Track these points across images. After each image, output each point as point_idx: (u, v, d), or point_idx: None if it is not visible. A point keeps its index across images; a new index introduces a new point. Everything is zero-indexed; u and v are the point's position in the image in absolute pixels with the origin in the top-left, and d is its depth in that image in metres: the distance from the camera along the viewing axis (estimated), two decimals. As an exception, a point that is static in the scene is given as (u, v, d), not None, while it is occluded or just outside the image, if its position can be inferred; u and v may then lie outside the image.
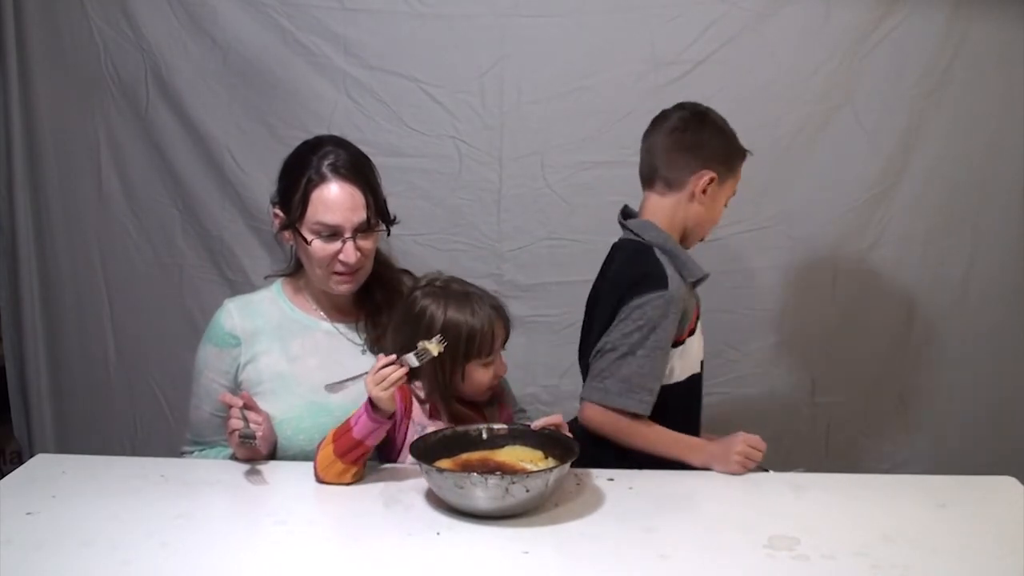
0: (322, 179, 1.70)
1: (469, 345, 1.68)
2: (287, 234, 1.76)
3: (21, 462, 1.86)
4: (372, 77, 2.50)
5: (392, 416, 1.61)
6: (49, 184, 2.66)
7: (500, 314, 1.73)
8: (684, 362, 1.86)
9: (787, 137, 2.47)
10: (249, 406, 1.67)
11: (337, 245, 1.71)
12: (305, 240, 1.71)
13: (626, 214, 1.95)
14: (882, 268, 2.52)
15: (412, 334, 1.67)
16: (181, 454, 1.87)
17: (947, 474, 1.70)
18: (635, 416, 1.76)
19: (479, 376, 1.71)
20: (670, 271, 1.80)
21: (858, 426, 2.59)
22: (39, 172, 2.66)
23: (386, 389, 1.55)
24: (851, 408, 2.59)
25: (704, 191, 1.85)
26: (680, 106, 1.92)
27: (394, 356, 1.59)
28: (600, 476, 1.64)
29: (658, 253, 1.82)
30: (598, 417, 1.78)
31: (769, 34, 2.42)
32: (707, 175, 1.85)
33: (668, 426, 1.81)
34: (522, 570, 1.32)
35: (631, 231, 1.89)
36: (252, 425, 1.64)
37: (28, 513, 1.46)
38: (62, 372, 2.77)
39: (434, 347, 1.60)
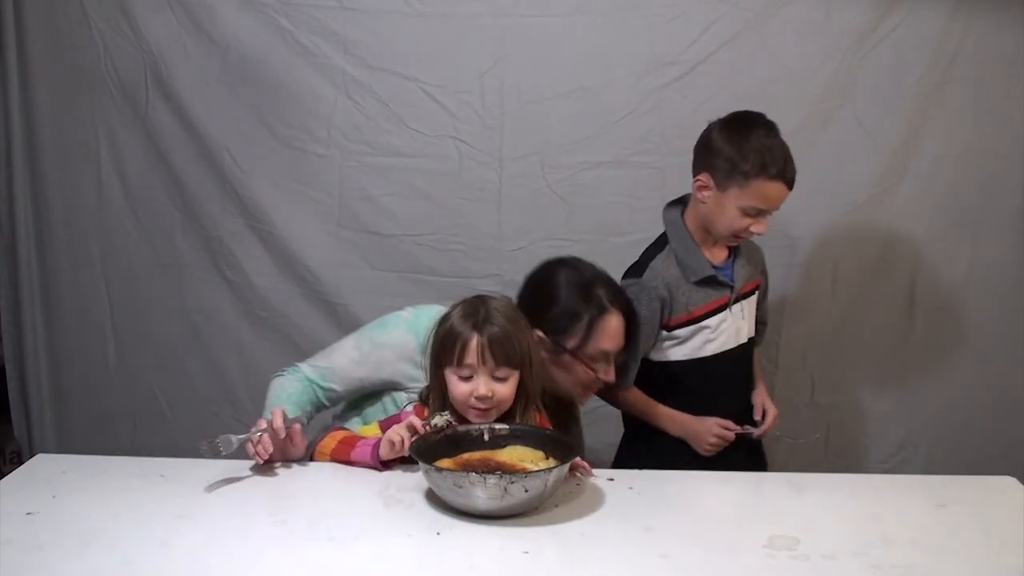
0: (605, 310, 1.83)
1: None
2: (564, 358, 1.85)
3: (21, 462, 1.86)
4: (372, 77, 2.50)
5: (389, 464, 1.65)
6: (49, 184, 2.66)
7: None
8: (683, 348, 2.00)
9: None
10: (275, 431, 1.64)
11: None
12: (591, 365, 1.84)
13: (679, 201, 2.05)
14: (882, 268, 2.52)
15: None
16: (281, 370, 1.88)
17: (947, 474, 1.71)
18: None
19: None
20: (659, 263, 1.95)
21: (858, 426, 2.59)
22: (39, 172, 2.66)
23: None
24: (851, 408, 2.59)
25: (702, 193, 1.93)
26: (746, 111, 1.97)
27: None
28: (600, 476, 1.64)
29: (670, 247, 1.97)
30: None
31: (769, 34, 2.42)
32: (701, 178, 1.92)
33: (670, 401, 2.01)
34: (522, 570, 1.32)
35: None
36: (248, 445, 1.63)
37: (28, 513, 1.46)
38: (62, 372, 2.77)
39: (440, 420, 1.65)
